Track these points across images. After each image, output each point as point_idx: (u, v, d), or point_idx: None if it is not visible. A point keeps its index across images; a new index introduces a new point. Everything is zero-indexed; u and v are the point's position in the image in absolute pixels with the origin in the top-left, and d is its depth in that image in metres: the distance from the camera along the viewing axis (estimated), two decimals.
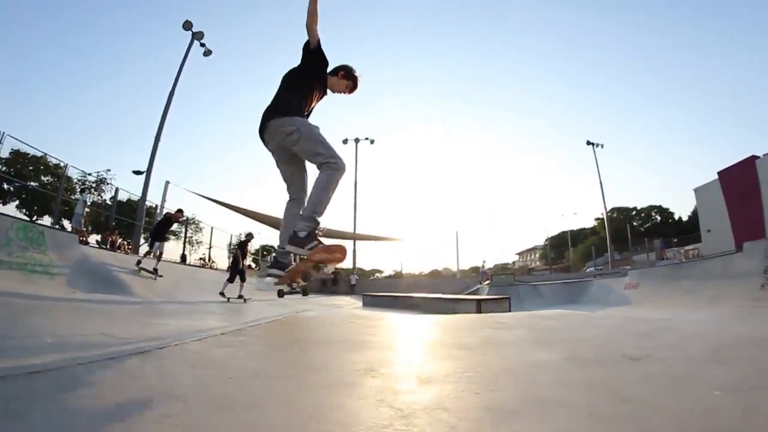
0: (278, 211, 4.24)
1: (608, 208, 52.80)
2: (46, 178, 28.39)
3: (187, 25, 21.88)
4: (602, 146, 40.45)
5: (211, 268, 26.78)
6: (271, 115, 3.71)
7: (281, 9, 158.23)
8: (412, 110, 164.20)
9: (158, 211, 23.99)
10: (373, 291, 25.65)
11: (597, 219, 66.20)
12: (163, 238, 14.84)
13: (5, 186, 26.77)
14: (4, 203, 26.69)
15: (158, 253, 14.09)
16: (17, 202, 27.17)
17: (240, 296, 14.02)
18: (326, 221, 3.62)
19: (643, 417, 1.60)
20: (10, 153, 24.34)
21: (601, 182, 39.76)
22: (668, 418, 1.57)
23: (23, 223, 10.96)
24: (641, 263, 39.40)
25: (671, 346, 3.02)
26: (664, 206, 78.05)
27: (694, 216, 56.19)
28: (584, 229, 74.47)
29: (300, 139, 3.58)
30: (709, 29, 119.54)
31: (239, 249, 15.56)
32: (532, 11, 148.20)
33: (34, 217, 26.49)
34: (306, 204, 3.65)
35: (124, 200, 30.73)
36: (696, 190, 55.53)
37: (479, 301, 10.86)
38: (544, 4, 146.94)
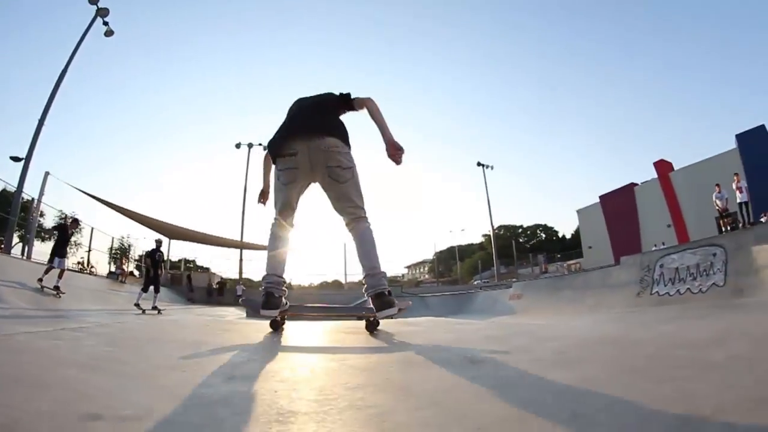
0: (170, 218, 3.21)
1: (495, 226, 55.89)
2: None
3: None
4: (492, 168, 42.70)
5: (90, 273, 24.03)
6: (335, 132, 3.40)
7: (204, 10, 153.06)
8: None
9: (34, 205, 21.10)
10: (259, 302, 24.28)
11: (485, 235, 69.77)
12: (65, 254, 13.54)
13: None
14: None
15: (60, 270, 12.95)
16: None
17: (154, 307, 13.89)
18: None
19: (441, 424, 1.32)
20: None
21: (489, 201, 41.91)
22: (472, 427, 1.26)
23: None
24: (526, 276, 41.61)
25: (521, 348, 2.84)
26: (549, 225, 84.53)
27: (577, 234, 60.65)
28: (472, 244, 78.32)
29: (350, 180, 3.39)
30: (596, 57, 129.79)
31: (150, 258, 15.07)
32: (434, 28, 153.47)
33: None
34: (365, 263, 3.43)
35: None
36: (579, 211, 60.30)
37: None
38: (446, 25, 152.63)
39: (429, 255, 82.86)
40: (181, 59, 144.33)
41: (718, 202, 16.88)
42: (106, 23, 20.49)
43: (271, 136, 3.61)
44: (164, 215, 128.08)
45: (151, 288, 14.33)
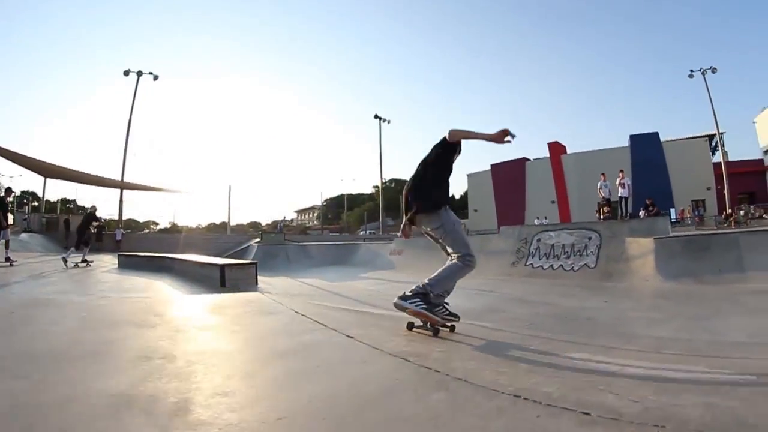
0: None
1: (388, 179, 55.90)
2: None
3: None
4: (389, 122, 43.18)
5: None
6: (420, 208, 4.35)
7: None
8: (205, 55, 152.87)
9: None
10: (140, 248, 22.38)
11: (375, 186, 69.26)
12: (6, 225, 13.31)
13: None
14: None
15: (5, 241, 13.11)
16: None
17: (84, 260, 14.56)
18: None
19: None
20: None
21: (381, 154, 42.88)
22: None
23: None
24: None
25: None
26: None
27: (465, 196, 62.30)
28: (362, 194, 78.03)
29: (444, 234, 4.33)
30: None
31: (87, 219, 15.83)
32: None
33: None
34: (435, 280, 4.21)
35: None
36: (469, 175, 62.08)
37: (223, 266, 9.20)
38: None
39: (318, 201, 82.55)
40: None
41: (601, 191, 17.72)
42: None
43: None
44: (38, 152, 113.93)
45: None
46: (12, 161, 28.51)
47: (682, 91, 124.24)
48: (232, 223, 44.30)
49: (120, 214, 34.38)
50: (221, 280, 8.92)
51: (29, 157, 27.20)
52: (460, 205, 64.07)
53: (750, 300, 6.41)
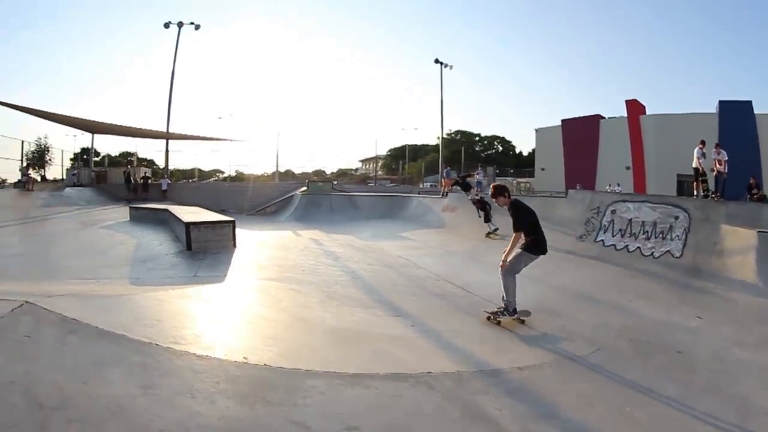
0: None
1: (453, 130, 52.29)
2: None
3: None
4: (451, 67, 39.51)
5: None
6: None
7: None
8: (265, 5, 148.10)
9: None
10: (182, 199, 22.50)
11: (439, 137, 66.78)
12: None
13: None
14: None
15: None
16: None
17: None
18: None
19: None
20: None
21: (442, 102, 39.33)
22: None
23: None
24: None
25: None
26: (508, 138, 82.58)
27: (533, 153, 59.06)
28: (427, 145, 75.35)
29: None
30: None
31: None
32: None
33: None
34: None
35: None
36: (537, 130, 58.38)
37: (188, 225, 8.20)
38: None
39: (383, 151, 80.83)
40: None
41: (700, 161, 13.41)
42: None
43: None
44: (82, 110, 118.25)
45: None
46: (62, 123, 29.55)
47: None
48: (297, 171, 43.52)
49: (166, 164, 34.61)
50: (187, 242, 8.08)
51: (75, 117, 27.76)
52: (527, 163, 61.08)
53: None
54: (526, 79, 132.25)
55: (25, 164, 23.74)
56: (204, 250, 7.82)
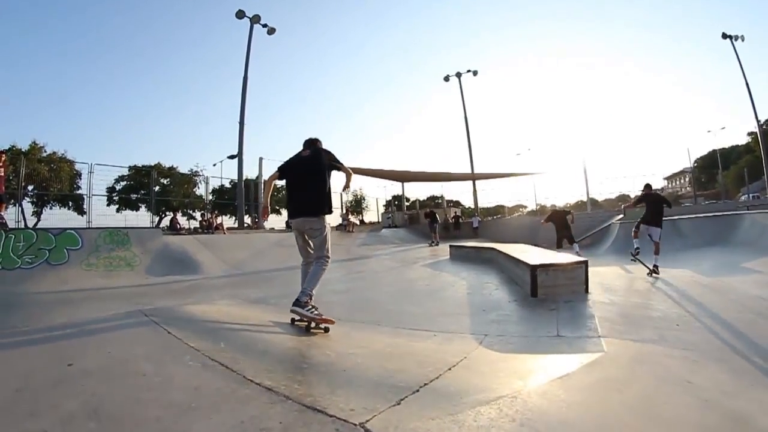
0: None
1: (763, 118, 38.49)
2: (165, 180, 32.31)
3: (240, 14, 23.89)
4: (743, 39, 30.58)
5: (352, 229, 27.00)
6: (307, 213, 5.14)
7: None
8: (518, 40, 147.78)
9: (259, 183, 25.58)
10: (494, 235, 23.64)
11: (750, 133, 50.52)
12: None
13: (133, 196, 29.82)
14: (136, 210, 29.10)
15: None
16: (144, 206, 28.89)
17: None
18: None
19: None
20: (129, 168, 29.00)
21: (747, 84, 29.73)
22: None
23: (109, 230, 12.93)
24: None
25: None
26: None
27: None
28: (737, 146, 57.01)
29: (318, 236, 5.13)
30: None
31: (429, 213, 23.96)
32: None
33: (160, 215, 28.76)
34: (305, 282, 4.96)
35: (228, 185, 32.07)
36: None
37: (535, 268, 6.74)
38: None
39: (687, 163, 66.91)
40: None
41: None
42: (264, 25, 24.63)
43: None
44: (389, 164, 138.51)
45: None
46: (378, 177, 33.74)
47: None
48: (600, 198, 41.50)
49: (475, 202, 37.03)
50: (532, 288, 6.75)
51: (388, 170, 32.13)
52: None
53: None
54: None
55: (344, 211, 28.69)
56: (553, 297, 6.52)
